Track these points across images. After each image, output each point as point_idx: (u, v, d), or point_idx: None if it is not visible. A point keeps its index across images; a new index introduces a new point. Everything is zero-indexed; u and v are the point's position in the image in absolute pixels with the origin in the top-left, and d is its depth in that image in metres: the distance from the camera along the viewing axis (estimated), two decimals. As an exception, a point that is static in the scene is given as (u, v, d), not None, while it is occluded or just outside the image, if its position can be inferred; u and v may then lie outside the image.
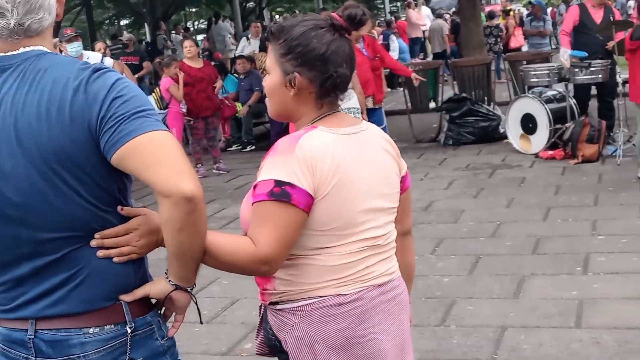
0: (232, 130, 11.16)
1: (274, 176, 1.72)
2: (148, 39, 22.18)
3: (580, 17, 8.07)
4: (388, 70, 9.66)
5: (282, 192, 1.70)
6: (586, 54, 7.75)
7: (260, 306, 1.99)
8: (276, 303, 1.86)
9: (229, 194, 7.95)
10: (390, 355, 1.88)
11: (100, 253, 1.63)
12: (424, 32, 18.28)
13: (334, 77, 1.79)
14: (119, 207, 1.65)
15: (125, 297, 1.66)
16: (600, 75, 7.69)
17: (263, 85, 1.96)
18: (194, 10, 31.62)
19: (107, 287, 1.64)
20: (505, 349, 3.67)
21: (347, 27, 1.84)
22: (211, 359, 3.94)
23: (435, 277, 4.67)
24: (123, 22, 31.92)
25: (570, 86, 8.08)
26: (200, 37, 27.29)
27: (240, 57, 11.40)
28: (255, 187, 1.76)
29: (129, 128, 1.54)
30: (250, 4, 25.44)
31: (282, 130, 7.95)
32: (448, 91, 10.12)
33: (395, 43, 16.59)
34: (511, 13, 16.28)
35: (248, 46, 13.19)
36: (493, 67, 10.93)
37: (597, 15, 8.00)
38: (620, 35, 7.50)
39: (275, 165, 1.74)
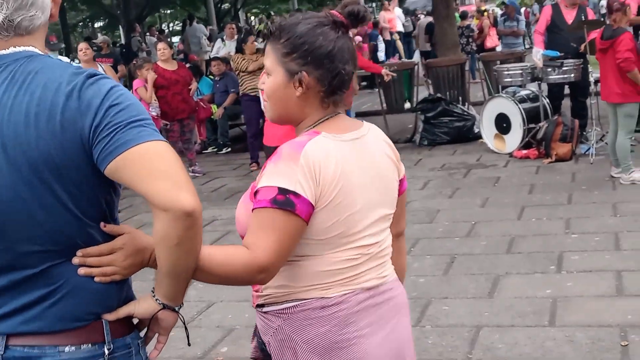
0: (208, 132, 11.11)
1: (278, 183, 1.66)
2: (122, 41, 22.03)
3: (552, 16, 8.18)
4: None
5: (286, 201, 1.65)
6: (558, 54, 7.84)
7: None
8: (262, 305, 1.83)
9: (205, 196, 7.91)
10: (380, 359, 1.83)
11: (81, 271, 1.54)
12: (391, 34, 18.38)
13: (342, 74, 1.75)
14: (102, 224, 1.57)
15: (108, 316, 1.58)
16: (572, 75, 7.78)
17: (259, 87, 1.89)
18: (168, 12, 31.46)
19: (88, 306, 1.55)
20: (480, 349, 3.69)
21: (348, 24, 1.80)
22: (187, 364, 3.92)
23: (411, 278, 4.69)
24: (97, 25, 31.68)
25: (544, 86, 8.17)
26: (175, 39, 27.17)
27: (215, 58, 11.36)
28: (256, 192, 1.70)
29: (126, 137, 1.46)
30: (226, 6, 25.36)
31: (259, 131, 7.93)
32: (423, 91, 10.16)
33: (382, 44, 16.72)
34: (485, 13, 16.39)
35: (223, 48, 13.14)
36: (467, 67, 11.00)
37: (569, 15, 8.10)
38: (592, 35, 7.59)
39: (279, 172, 1.68)
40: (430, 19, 16.99)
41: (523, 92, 8.32)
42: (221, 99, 10.64)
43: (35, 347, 1.53)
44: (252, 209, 1.69)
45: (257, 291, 1.85)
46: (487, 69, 9.84)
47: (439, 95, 9.50)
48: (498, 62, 9.47)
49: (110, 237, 1.58)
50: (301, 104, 1.78)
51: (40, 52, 1.57)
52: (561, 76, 7.82)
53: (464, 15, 15.24)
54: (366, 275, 1.81)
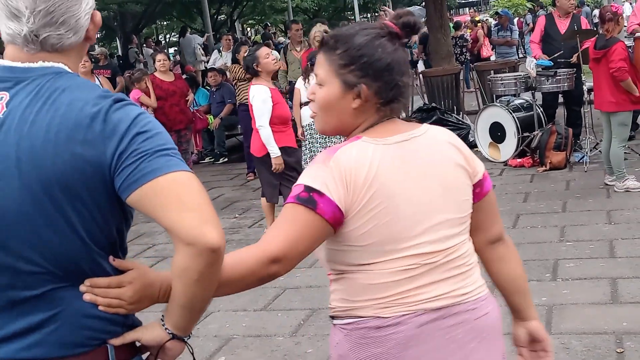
0: (205, 142, 11.15)
1: (305, 182, 1.66)
2: (119, 52, 22.08)
3: (546, 26, 8.27)
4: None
5: (308, 198, 1.64)
6: (552, 63, 7.90)
7: None
8: (333, 317, 1.80)
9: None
10: None
11: (87, 297, 1.50)
12: None
13: (400, 86, 1.73)
14: (111, 258, 1.52)
15: (114, 341, 1.54)
16: (566, 84, 7.84)
17: (309, 99, 1.84)
18: (165, 23, 31.52)
19: (91, 332, 1.51)
20: (476, 356, 3.71)
21: (402, 35, 1.75)
22: (185, 373, 3.93)
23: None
24: (93, 36, 31.71)
25: (538, 95, 8.22)
26: (172, 50, 27.23)
27: (212, 69, 11.40)
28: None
29: (153, 166, 1.42)
30: (222, 17, 25.43)
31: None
32: (418, 101, 10.21)
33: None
34: (479, 23, 16.49)
35: (220, 59, 13.18)
36: (462, 77, 11.05)
37: (562, 25, 8.18)
38: (586, 45, 7.66)
39: (309, 173, 1.69)
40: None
41: (517, 101, 8.38)
42: (218, 110, 10.68)
43: None
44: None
45: (329, 302, 1.82)
46: (481, 79, 9.91)
47: (433, 104, 9.56)
48: (492, 71, 9.53)
49: (116, 269, 1.55)
50: (356, 114, 1.75)
51: (69, 70, 1.53)
52: (555, 85, 7.88)
53: (457, 26, 15.34)
54: (431, 291, 1.71)
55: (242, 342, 4.22)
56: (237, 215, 7.30)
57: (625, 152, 7.42)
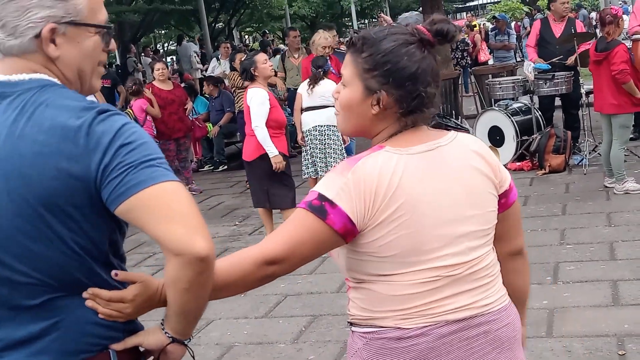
0: (204, 150, 11.16)
1: (320, 189, 1.65)
2: (118, 61, 22.12)
3: (541, 30, 8.32)
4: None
5: (320, 207, 1.62)
6: (549, 67, 7.92)
7: None
8: (352, 324, 1.79)
9: (201, 214, 7.91)
10: None
11: (89, 303, 1.52)
12: None
13: (422, 96, 1.67)
14: (113, 272, 1.54)
15: (116, 346, 1.56)
16: (564, 87, 7.86)
17: (334, 97, 1.81)
18: (163, 32, 31.59)
19: (92, 338, 1.54)
20: (478, 360, 3.71)
21: (435, 43, 1.70)
22: (187, 382, 3.93)
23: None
24: (91, 46, 31.79)
25: (535, 98, 8.24)
26: (169, 58, 27.28)
27: (207, 79, 11.43)
28: None
29: (139, 178, 1.42)
30: (220, 25, 25.49)
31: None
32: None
33: None
34: (476, 28, 16.52)
35: (218, 67, 13.21)
36: (461, 81, 11.07)
37: (558, 29, 8.22)
38: (582, 48, 7.69)
39: (326, 181, 1.67)
40: None
41: (515, 105, 8.39)
42: (217, 118, 10.70)
43: None
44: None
45: (347, 309, 1.81)
46: (479, 83, 9.92)
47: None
48: (490, 75, 9.55)
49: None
50: (375, 121, 1.72)
51: (54, 81, 1.53)
52: (553, 88, 7.90)
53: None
54: (453, 302, 1.69)
55: (243, 349, 4.22)
56: (237, 223, 7.30)
57: (625, 155, 7.43)
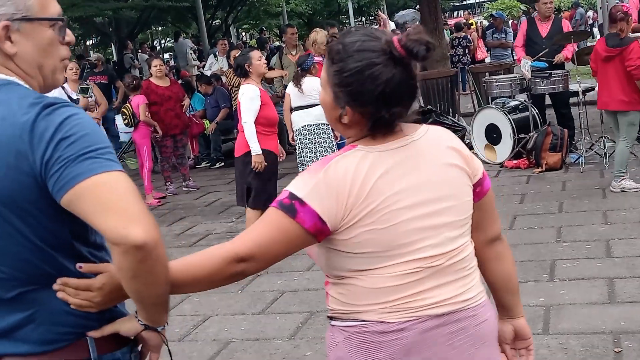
0: (201, 147, 11.16)
1: (291, 189, 1.67)
2: (115, 58, 22.08)
3: (527, 30, 8.39)
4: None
5: (289, 206, 1.64)
6: (546, 65, 7.94)
7: None
8: (331, 318, 1.80)
9: (198, 211, 7.94)
10: None
11: (59, 295, 1.57)
12: None
13: (385, 118, 1.67)
14: (78, 265, 1.58)
15: (93, 333, 1.61)
16: (560, 85, 7.87)
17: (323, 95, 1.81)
18: (160, 28, 31.51)
19: (68, 328, 1.60)
20: (475, 357, 3.72)
21: (407, 59, 1.65)
22: (184, 378, 3.94)
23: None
24: (89, 42, 31.73)
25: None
26: (166, 55, 27.24)
27: (201, 78, 11.45)
28: None
29: (76, 171, 1.44)
30: (217, 22, 25.43)
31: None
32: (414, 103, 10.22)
33: None
34: (473, 26, 16.53)
35: (215, 63, 13.20)
36: (459, 79, 11.08)
37: (544, 29, 8.29)
38: (567, 47, 7.76)
39: (298, 180, 1.69)
40: None
41: (512, 103, 8.40)
42: (213, 114, 10.71)
43: None
44: None
45: (327, 304, 1.82)
46: (476, 81, 9.93)
47: (429, 107, 9.58)
48: (487, 73, 9.56)
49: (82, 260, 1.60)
50: (346, 126, 1.74)
51: (11, 79, 1.57)
52: (550, 87, 7.91)
53: (458, 27, 15.37)
54: (435, 295, 1.70)
55: (240, 345, 4.22)
56: (234, 220, 7.30)
57: (632, 153, 7.45)
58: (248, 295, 4.91)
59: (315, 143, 6.92)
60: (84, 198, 1.44)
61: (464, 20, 19.32)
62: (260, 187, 5.73)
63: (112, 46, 25.22)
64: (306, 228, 1.64)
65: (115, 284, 1.57)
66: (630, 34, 6.73)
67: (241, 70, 5.76)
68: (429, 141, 1.76)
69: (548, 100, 8.51)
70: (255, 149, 5.58)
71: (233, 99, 9.19)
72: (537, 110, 8.16)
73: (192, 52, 18.26)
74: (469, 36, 14.91)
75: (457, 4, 49.19)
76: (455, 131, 9.20)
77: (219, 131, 10.66)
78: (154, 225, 1.46)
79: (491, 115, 8.26)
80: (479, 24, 19.47)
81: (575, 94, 7.73)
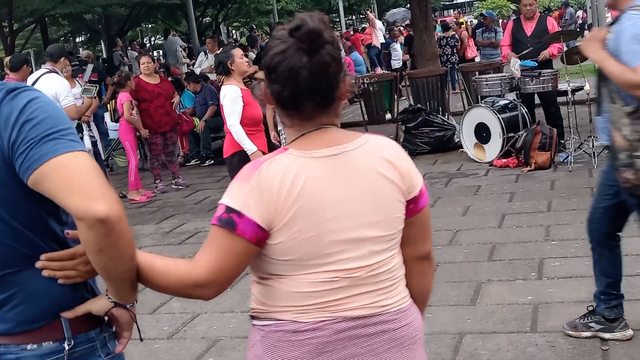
0: (191, 145, 11.14)
1: (226, 202, 1.67)
2: (104, 55, 22.00)
3: (513, 30, 8.45)
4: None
5: (228, 220, 1.64)
6: (535, 64, 7.97)
7: None
8: (252, 317, 1.83)
9: (188, 208, 7.92)
10: None
11: (45, 273, 1.63)
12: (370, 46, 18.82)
13: (283, 95, 1.68)
14: (66, 232, 1.65)
15: (66, 314, 1.67)
16: (550, 85, 7.91)
17: None
18: (150, 26, 31.42)
19: (44, 307, 1.66)
20: (463, 355, 3.74)
21: (300, 43, 1.65)
22: (172, 376, 3.93)
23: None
24: (78, 39, 31.58)
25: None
26: (156, 52, 27.16)
27: (188, 79, 11.44)
28: None
29: (40, 152, 1.51)
30: (207, 19, 25.39)
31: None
32: (404, 102, 10.26)
33: (398, 51, 16.98)
34: (463, 25, 16.56)
35: (206, 61, 13.18)
36: (449, 78, 11.11)
37: (529, 28, 8.36)
38: (552, 47, 7.78)
39: (231, 191, 1.68)
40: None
41: (502, 102, 8.43)
42: (202, 112, 10.70)
43: (0, 345, 1.66)
44: None
45: (251, 304, 1.84)
46: (466, 80, 9.96)
47: (419, 105, 9.60)
48: (477, 72, 9.59)
49: (60, 243, 1.66)
50: (285, 125, 1.77)
51: None
52: (539, 86, 7.94)
53: (446, 26, 15.41)
54: (353, 302, 1.72)
55: (229, 343, 4.22)
56: (223, 218, 7.28)
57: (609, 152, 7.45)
58: (237, 294, 4.91)
59: None
60: (50, 177, 1.51)
61: (455, 20, 19.36)
62: None
63: (102, 43, 25.13)
64: (248, 239, 1.65)
65: None
66: None
67: (223, 68, 5.73)
68: (364, 152, 1.74)
69: (537, 100, 8.55)
70: (250, 148, 5.57)
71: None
72: (526, 109, 8.19)
73: (181, 49, 18.23)
74: (457, 35, 14.95)
75: (448, 2, 49.32)
76: (444, 130, 9.24)
77: (208, 129, 10.64)
78: (117, 201, 1.53)
79: (481, 114, 8.28)
80: (468, 23, 19.51)
81: (564, 93, 7.76)
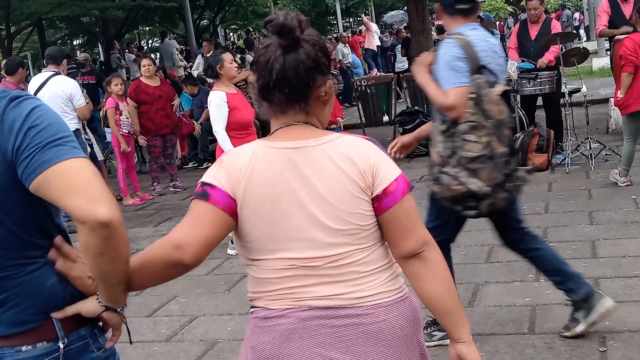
0: (188, 147, 11.14)
1: (202, 179, 1.83)
2: (102, 58, 21.99)
3: (518, 32, 8.43)
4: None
5: (202, 192, 1.79)
6: (533, 66, 7.98)
7: None
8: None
9: (185, 211, 7.85)
10: None
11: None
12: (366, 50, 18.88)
13: (257, 82, 1.83)
14: (58, 238, 1.71)
15: (57, 315, 1.71)
16: (547, 87, 7.91)
17: None
18: (147, 28, 31.42)
19: (36, 309, 1.69)
20: (461, 357, 3.73)
21: (281, 39, 1.80)
22: (171, 378, 3.92)
23: (392, 289, 4.72)
24: (76, 42, 31.56)
25: (518, 97, 8.29)
26: (153, 55, 27.13)
27: (185, 82, 11.43)
28: None
29: (44, 158, 1.57)
30: (204, 22, 25.39)
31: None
32: (401, 104, 10.26)
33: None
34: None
35: (202, 63, 13.20)
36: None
37: (534, 31, 8.35)
38: (552, 49, 7.79)
39: (208, 171, 1.86)
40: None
41: (499, 104, 8.41)
42: (199, 114, 10.69)
43: None
44: None
45: None
46: (463, 82, 9.93)
47: (416, 108, 9.61)
48: (474, 74, 9.57)
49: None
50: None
51: None
52: (536, 88, 7.94)
53: (441, 29, 15.41)
54: (317, 291, 1.78)
55: (227, 346, 4.22)
56: (221, 220, 7.27)
57: (606, 154, 7.51)
58: (235, 296, 4.91)
59: None
60: (53, 182, 1.56)
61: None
62: None
63: (99, 46, 25.12)
64: (221, 208, 1.77)
65: None
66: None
67: (212, 71, 5.77)
68: (326, 148, 1.80)
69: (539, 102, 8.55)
70: None
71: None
72: (523, 112, 8.19)
73: (177, 52, 18.23)
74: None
75: (445, 5, 49.27)
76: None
77: (206, 131, 10.63)
78: (116, 206, 1.59)
79: (478, 116, 8.26)
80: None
81: (562, 95, 7.77)
